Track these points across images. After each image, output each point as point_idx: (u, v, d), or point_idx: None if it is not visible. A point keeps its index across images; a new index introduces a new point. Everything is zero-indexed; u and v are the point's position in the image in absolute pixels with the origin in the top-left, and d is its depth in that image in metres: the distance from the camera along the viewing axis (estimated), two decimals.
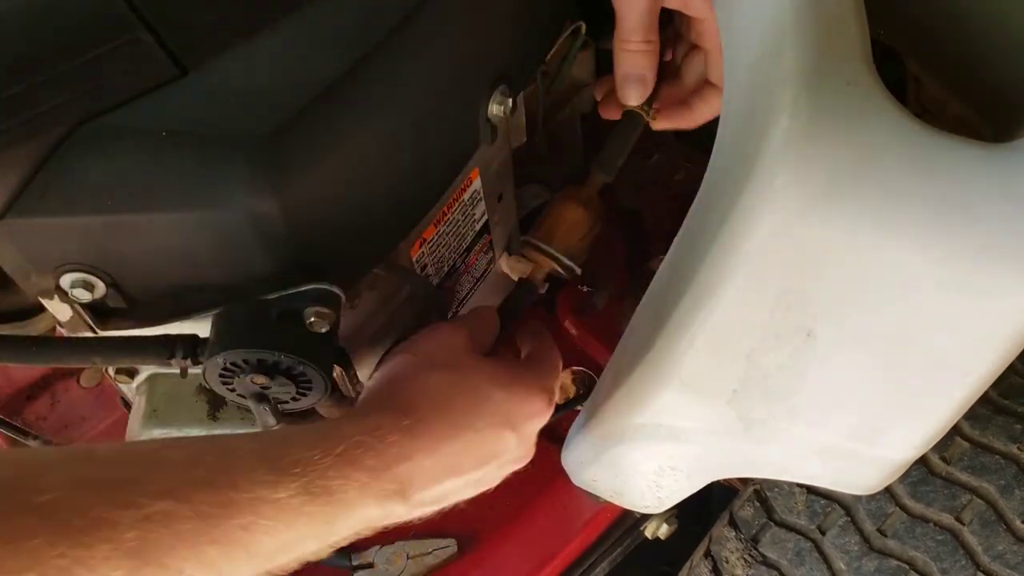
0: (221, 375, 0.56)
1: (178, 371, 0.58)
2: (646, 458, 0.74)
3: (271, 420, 0.61)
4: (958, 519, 0.83)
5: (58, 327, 0.66)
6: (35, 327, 0.66)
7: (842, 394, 0.60)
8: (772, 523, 0.90)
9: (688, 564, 0.98)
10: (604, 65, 0.96)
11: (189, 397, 0.70)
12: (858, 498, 0.87)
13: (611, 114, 0.78)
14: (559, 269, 0.82)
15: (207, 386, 0.58)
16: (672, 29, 0.74)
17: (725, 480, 0.89)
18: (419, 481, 0.53)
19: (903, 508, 0.85)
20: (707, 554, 0.95)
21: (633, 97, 0.72)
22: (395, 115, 0.58)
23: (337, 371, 0.66)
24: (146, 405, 0.70)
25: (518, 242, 0.93)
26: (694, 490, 0.78)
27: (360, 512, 0.49)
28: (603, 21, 0.71)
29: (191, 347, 0.56)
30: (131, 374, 0.72)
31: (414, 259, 0.75)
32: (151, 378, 0.72)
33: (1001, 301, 0.50)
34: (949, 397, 0.57)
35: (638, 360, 0.64)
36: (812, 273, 0.52)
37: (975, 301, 0.51)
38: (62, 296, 0.58)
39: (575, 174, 1.08)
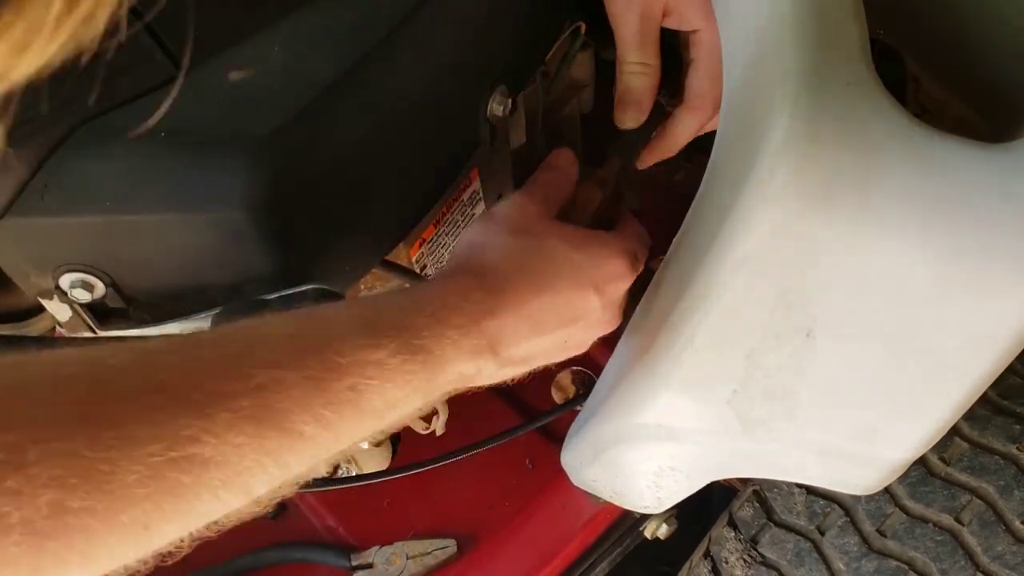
0: None
1: None
2: (646, 458, 0.74)
3: None
4: (957, 519, 0.83)
5: (57, 328, 0.66)
6: (34, 328, 0.66)
7: (841, 394, 0.60)
8: (771, 523, 0.90)
9: (688, 564, 0.98)
10: (604, 66, 0.96)
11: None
12: (857, 498, 0.87)
13: (646, 162, 0.79)
14: None
15: None
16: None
17: (725, 480, 0.89)
18: (506, 338, 0.55)
19: (902, 508, 0.85)
20: (706, 554, 0.95)
21: (627, 121, 0.72)
22: (394, 115, 0.58)
23: None
24: None
25: None
26: (694, 490, 0.78)
27: (454, 367, 0.51)
28: (603, 22, 0.71)
29: None
30: None
31: (413, 259, 0.75)
32: None
33: (1000, 301, 0.50)
34: (948, 397, 0.57)
35: (638, 360, 0.64)
36: (811, 273, 0.52)
37: (974, 301, 0.51)
38: (61, 296, 0.58)
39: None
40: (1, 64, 0.29)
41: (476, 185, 0.78)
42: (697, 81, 0.68)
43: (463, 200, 0.77)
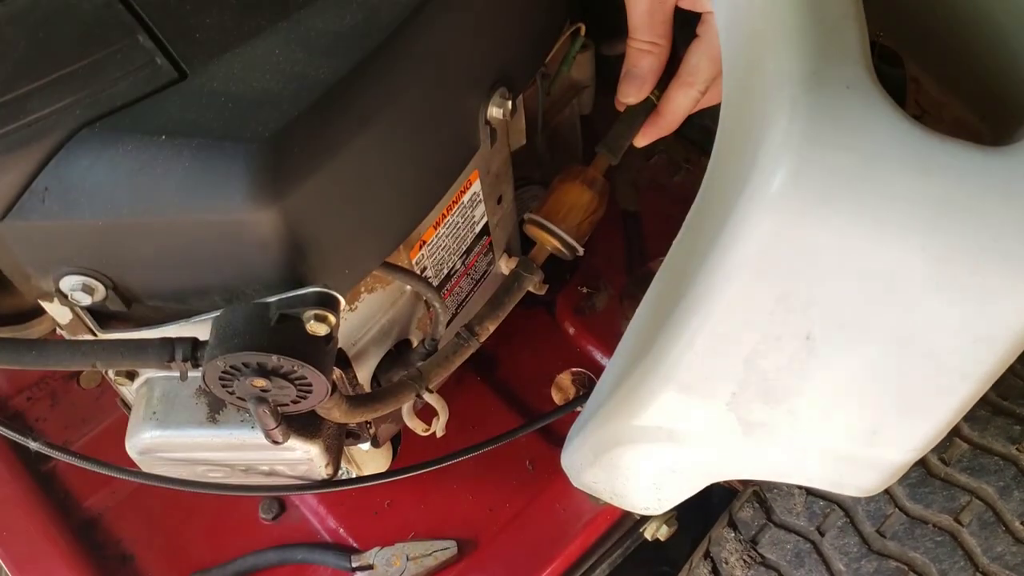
0: (221, 378, 0.56)
1: (178, 374, 0.58)
2: (645, 460, 0.74)
3: (271, 423, 0.61)
4: (957, 520, 0.83)
5: (58, 330, 0.66)
6: (35, 330, 0.67)
7: (841, 396, 0.60)
8: (771, 524, 0.90)
9: (688, 565, 0.98)
10: (603, 67, 0.96)
11: (188, 399, 0.70)
12: (857, 499, 0.87)
13: (643, 138, 0.78)
14: (561, 248, 0.80)
15: (206, 388, 0.58)
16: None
17: (725, 481, 0.89)
18: None
19: (902, 509, 0.85)
20: (706, 555, 0.95)
21: (629, 95, 0.71)
22: (394, 118, 0.58)
23: (337, 373, 0.66)
24: (145, 407, 0.71)
25: (518, 244, 0.93)
26: (694, 492, 0.78)
27: None
28: (603, 23, 0.71)
29: (191, 350, 0.56)
30: (131, 376, 0.72)
31: (414, 261, 0.75)
32: (151, 380, 0.72)
33: (1000, 303, 0.50)
34: (949, 399, 0.57)
35: (637, 362, 0.64)
36: (811, 275, 0.52)
37: (974, 303, 0.51)
38: (62, 299, 0.58)
39: None
40: None
41: (476, 187, 0.78)
42: (695, 57, 0.68)
43: (463, 202, 0.77)
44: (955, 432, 0.86)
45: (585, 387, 1.07)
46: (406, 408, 0.85)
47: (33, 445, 0.70)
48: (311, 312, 0.54)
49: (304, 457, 0.73)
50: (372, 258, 0.66)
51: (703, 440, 0.68)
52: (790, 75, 0.49)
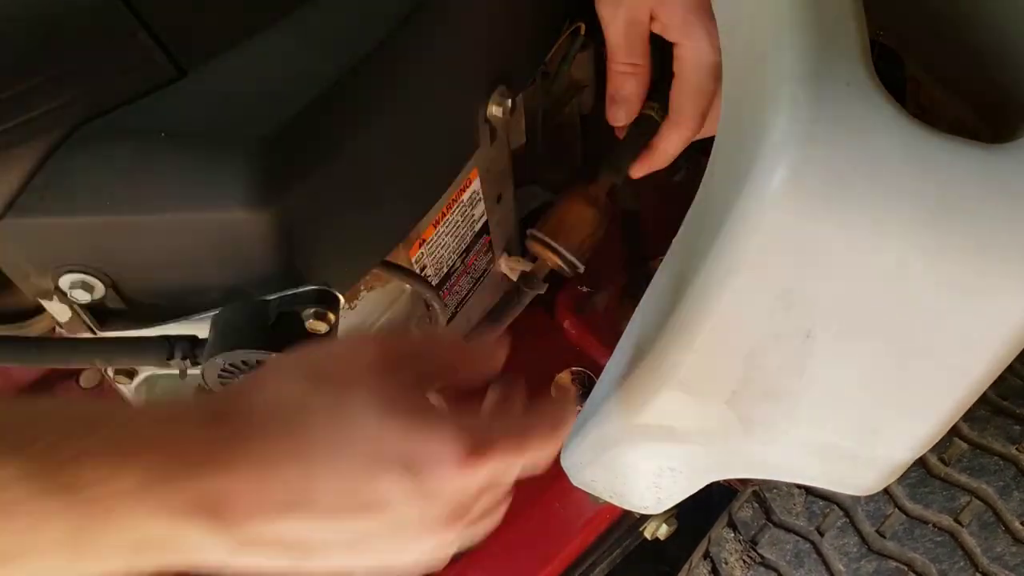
0: (220, 376, 0.56)
1: (177, 372, 0.58)
2: (645, 459, 0.74)
3: None
4: (957, 520, 0.83)
5: (57, 328, 0.66)
6: (34, 328, 0.66)
7: (841, 395, 0.60)
8: (771, 524, 0.90)
9: (687, 565, 0.98)
10: (603, 66, 0.96)
11: (188, 398, 0.70)
12: (857, 499, 0.87)
13: (637, 172, 0.78)
14: (562, 265, 0.81)
15: (206, 387, 0.58)
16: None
17: (725, 480, 0.89)
18: (244, 505, 0.38)
19: (902, 509, 0.85)
20: (706, 555, 0.95)
21: (619, 118, 0.71)
22: (393, 116, 0.58)
23: None
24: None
25: (517, 243, 0.93)
26: (693, 491, 0.78)
27: (132, 525, 0.35)
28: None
29: (190, 348, 0.56)
30: (130, 375, 0.72)
31: (413, 260, 0.75)
32: (150, 379, 0.72)
33: (1000, 301, 0.50)
34: (948, 398, 0.57)
35: (637, 361, 0.64)
36: (811, 273, 0.52)
37: (974, 301, 0.51)
38: (61, 297, 0.58)
39: (575, 175, 1.08)
40: None
41: (476, 186, 0.78)
42: (678, 97, 0.67)
43: (463, 201, 0.77)
44: (955, 432, 0.86)
45: (585, 386, 1.07)
46: None
47: None
48: (311, 310, 0.54)
49: None
50: (372, 256, 0.66)
51: (703, 439, 0.68)
52: (790, 73, 0.49)
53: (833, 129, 0.48)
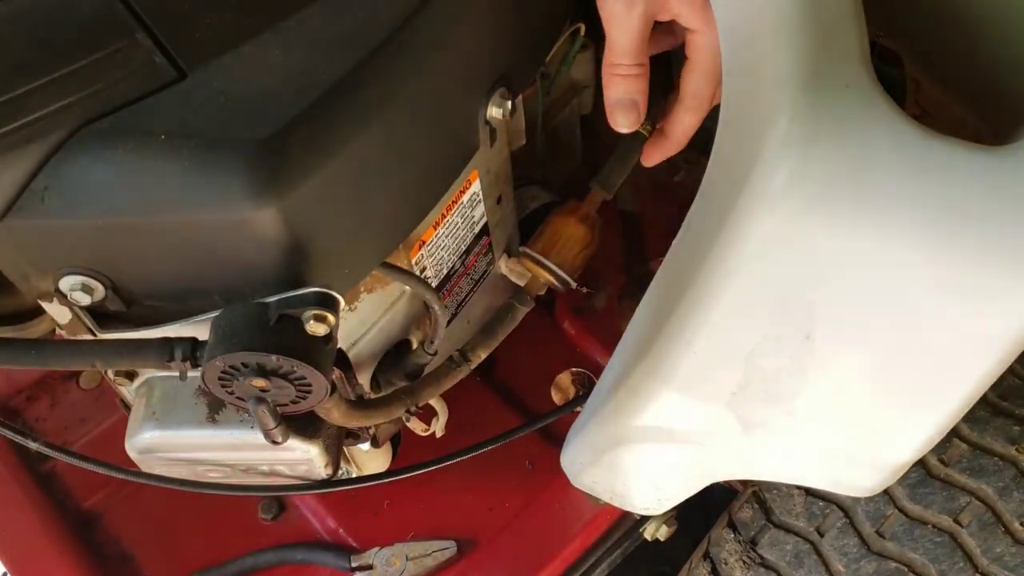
0: (220, 378, 0.56)
1: (177, 374, 0.58)
2: (645, 460, 0.74)
3: (270, 423, 0.61)
4: (956, 521, 0.83)
5: (57, 330, 0.66)
6: (35, 330, 0.67)
7: (841, 396, 0.60)
8: (771, 525, 0.90)
9: (687, 566, 0.98)
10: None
11: (188, 399, 0.70)
12: (857, 500, 0.87)
13: (651, 160, 0.77)
14: (554, 281, 0.83)
15: (206, 388, 0.58)
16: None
17: (725, 481, 0.89)
18: None
19: (901, 510, 0.85)
20: (706, 556, 0.95)
21: (625, 124, 0.68)
22: (393, 118, 0.58)
23: (336, 373, 0.66)
24: (145, 407, 0.71)
25: (517, 244, 0.93)
26: (693, 492, 0.78)
27: None
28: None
29: (190, 350, 0.56)
30: (130, 376, 0.72)
31: (413, 261, 0.75)
32: (150, 380, 0.72)
33: (999, 303, 0.50)
34: (948, 399, 0.57)
35: (637, 362, 0.64)
36: (810, 275, 0.52)
37: (974, 303, 0.51)
38: (61, 299, 0.58)
39: (574, 175, 1.08)
40: None
41: (475, 187, 0.78)
42: (693, 80, 0.67)
43: (462, 202, 0.77)
44: (954, 433, 0.86)
45: (585, 387, 1.07)
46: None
47: (33, 445, 0.70)
48: (310, 312, 0.54)
49: (304, 457, 0.73)
50: (371, 258, 0.66)
51: (703, 440, 0.68)
52: (790, 75, 0.49)
53: (832, 131, 0.48)
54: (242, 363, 0.55)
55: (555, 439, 1.04)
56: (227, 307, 0.56)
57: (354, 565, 0.98)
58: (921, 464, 0.86)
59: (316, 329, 0.54)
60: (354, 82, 0.55)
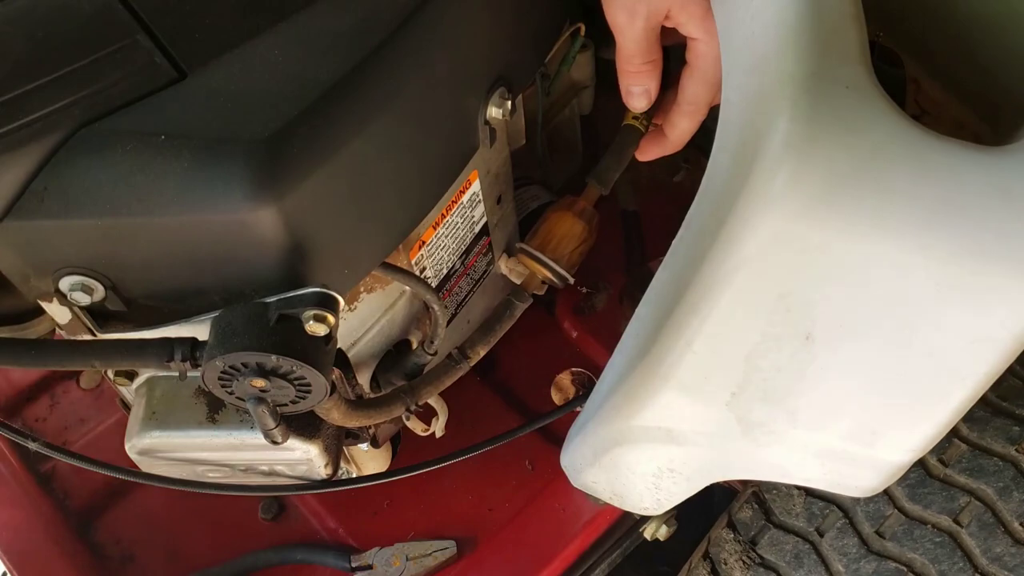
0: (220, 378, 0.56)
1: (177, 374, 0.58)
2: (645, 460, 0.74)
3: (270, 423, 0.61)
4: (956, 521, 0.83)
5: (57, 330, 0.66)
6: (35, 330, 0.67)
7: (841, 396, 0.60)
8: (770, 525, 0.90)
9: (687, 566, 0.98)
10: (603, 67, 0.96)
11: (188, 399, 0.70)
12: (856, 500, 0.87)
13: (646, 155, 0.79)
14: (552, 278, 0.83)
15: (206, 388, 0.58)
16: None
17: (725, 481, 0.89)
18: None
19: (901, 510, 0.85)
20: (705, 556, 0.95)
21: (640, 104, 0.72)
22: (393, 118, 0.58)
23: (336, 373, 0.66)
24: (145, 407, 0.71)
25: (517, 244, 0.93)
26: (693, 492, 0.78)
27: None
28: (603, 23, 0.71)
29: (190, 350, 0.56)
30: (130, 376, 0.72)
31: (413, 261, 0.75)
32: (150, 380, 0.72)
33: (999, 304, 0.50)
34: (948, 399, 0.57)
35: (637, 362, 0.64)
36: (811, 275, 0.52)
37: (973, 303, 0.51)
38: (61, 299, 0.58)
39: (574, 175, 1.08)
40: None
41: (475, 187, 0.78)
42: (692, 85, 0.69)
43: (462, 202, 0.77)
44: (954, 433, 0.86)
45: (585, 387, 1.07)
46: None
47: (33, 445, 0.70)
48: (310, 312, 0.54)
49: (303, 457, 0.73)
50: (371, 258, 0.66)
51: (703, 440, 0.68)
52: (790, 76, 0.49)
53: (832, 132, 0.48)
54: (242, 363, 0.55)
55: (555, 439, 1.04)
56: (227, 307, 0.56)
57: (354, 565, 0.98)
58: (921, 464, 0.86)
59: (316, 329, 0.54)
60: (354, 82, 0.55)
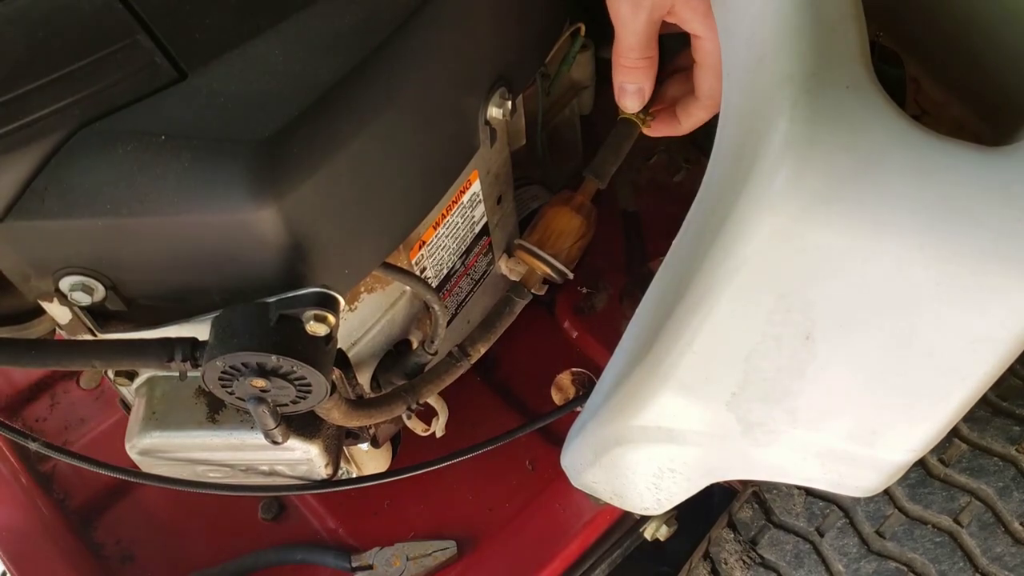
0: (220, 378, 0.56)
1: (177, 374, 0.58)
2: (645, 460, 0.74)
3: (270, 423, 0.61)
4: (956, 521, 0.83)
5: (58, 330, 0.66)
6: (35, 330, 0.67)
7: (841, 397, 0.60)
8: (771, 525, 0.90)
9: (687, 565, 0.98)
10: (603, 67, 0.96)
11: (188, 399, 0.70)
12: (856, 500, 0.87)
13: (654, 132, 0.78)
14: (551, 273, 0.83)
15: (206, 388, 0.58)
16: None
17: (725, 481, 0.89)
18: None
19: (901, 510, 0.85)
20: (706, 556, 0.95)
21: (632, 105, 0.72)
22: (393, 118, 0.58)
23: (336, 373, 0.66)
24: (145, 407, 0.71)
25: (516, 240, 0.93)
26: (693, 492, 0.78)
27: None
28: (603, 23, 0.71)
29: (190, 350, 0.56)
30: (131, 376, 0.72)
31: (413, 261, 0.75)
32: (150, 380, 0.72)
33: (1000, 303, 0.50)
34: (948, 399, 0.57)
35: (637, 362, 0.64)
36: (811, 276, 0.52)
37: (974, 303, 0.51)
38: (62, 299, 0.58)
39: (575, 175, 1.08)
40: None
41: (475, 188, 0.78)
42: (706, 80, 0.69)
43: (463, 202, 0.77)
44: (954, 433, 0.86)
45: (585, 387, 1.07)
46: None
47: (33, 445, 0.70)
48: (311, 312, 0.54)
49: (304, 457, 0.73)
50: (372, 258, 0.66)
51: (703, 440, 0.68)
52: (790, 76, 0.49)
53: (833, 132, 0.48)
54: (242, 363, 0.55)
55: (555, 439, 1.04)
56: (227, 307, 0.56)
57: (354, 565, 0.98)
58: (921, 464, 0.86)
59: (316, 329, 0.54)
60: (354, 82, 0.55)
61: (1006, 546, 0.81)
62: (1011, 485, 0.83)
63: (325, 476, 0.76)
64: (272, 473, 0.77)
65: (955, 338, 0.53)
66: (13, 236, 0.54)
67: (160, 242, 0.54)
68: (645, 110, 0.75)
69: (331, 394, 0.59)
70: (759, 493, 0.92)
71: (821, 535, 0.87)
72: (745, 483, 0.97)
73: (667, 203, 1.19)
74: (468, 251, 0.84)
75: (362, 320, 0.77)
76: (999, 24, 0.62)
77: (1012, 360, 0.54)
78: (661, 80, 0.74)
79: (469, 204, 0.78)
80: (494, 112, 0.69)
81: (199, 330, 0.58)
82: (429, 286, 0.75)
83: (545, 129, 0.92)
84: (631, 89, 0.71)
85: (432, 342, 0.81)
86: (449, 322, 0.87)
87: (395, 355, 0.83)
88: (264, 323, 0.54)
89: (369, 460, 0.92)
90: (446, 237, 0.78)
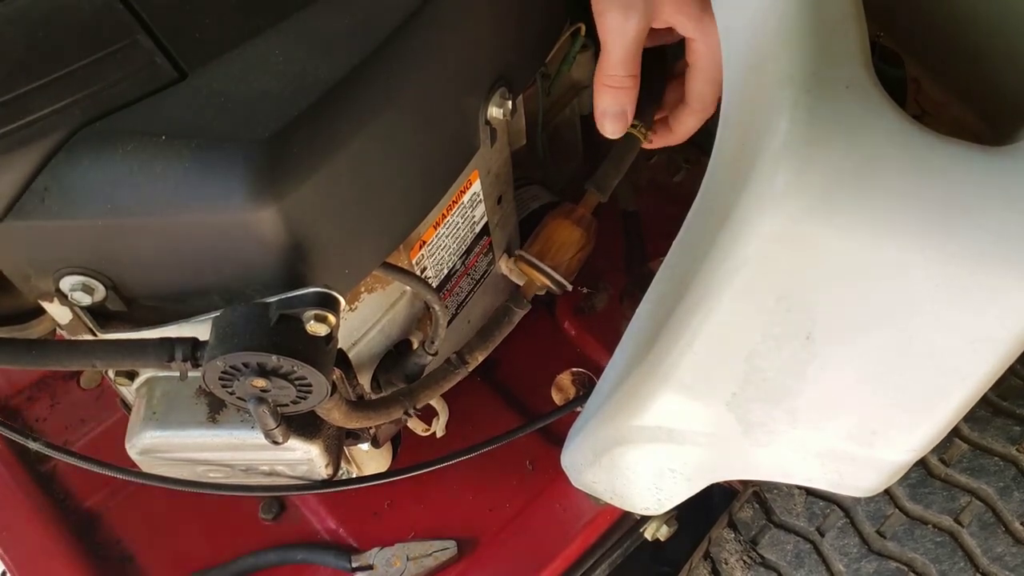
0: (220, 378, 0.56)
1: (177, 374, 0.58)
2: (646, 460, 0.74)
3: (270, 423, 0.61)
4: (957, 521, 0.83)
5: (58, 330, 0.66)
6: (35, 330, 0.67)
7: (841, 397, 0.60)
8: (771, 525, 0.90)
9: (687, 565, 0.98)
10: None
11: (189, 399, 0.70)
12: (857, 500, 0.87)
13: (652, 145, 0.78)
14: (551, 285, 0.83)
15: (206, 388, 0.58)
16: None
17: (726, 481, 0.89)
18: None
19: (902, 510, 0.85)
20: (706, 555, 0.95)
21: (613, 131, 0.70)
22: (394, 118, 0.58)
23: (337, 373, 0.66)
24: (146, 407, 0.71)
25: (517, 244, 0.93)
26: (694, 492, 0.78)
27: None
28: None
29: (191, 350, 0.56)
30: (131, 376, 0.72)
31: (413, 261, 0.75)
32: (150, 380, 0.72)
33: (1000, 303, 0.50)
34: (949, 399, 0.57)
35: (637, 362, 0.64)
36: (811, 276, 0.52)
37: (974, 303, 0.51)
38: (62, 299, 0.58)
39: (575, 175, 1.08)
40: None
41: (476, 188, 0.78)
42: (698, 85, 0.68)
43: (463, 202, 0.77)
44: (955, 433, 0.86)
45: (585, 387, 1.07)
46: None
47: (33, 445, 0.70)
48: (311, 312, 0.54)
49: (304, 457, 0.73)
50: (372, 258, 0.66)
51: (703, 440, 0.68)
52: (790, 76, 0.49)
53: (833, 132, 0.48)
54: (243, 363, 0.55)
55: (555, 439, 1.04)
56: (227, 307, 0.56)
57: (354, 565, 0.98)
58: (921, 464, 0.86)
59: (317, 329, 0.54)
60: (354, 82, 0.55)
61: (1007, 546, 0.81)
62: (1012, 485, 0.83)
63: (325, 476, 0.76)
64: (272, 473, 0.77)
65: (955, 338, 0.53)
66: (13, 236, 0.54)
67: (160, 242, 0.54)
68: (647, 123, 0.75)
69: (332, 394, 0.59)
70: (759, 493, 0.92)
71: (822, 535, 0.87)
72: (745, 483, 0.97)
73: (667, 203, 1.19)
74: (468, 251, 0.84)
75: (362, 320, 0.77)
76: (999, 24, 0.62)
77: (1012, 360, 0.54)
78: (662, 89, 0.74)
79: (469, 204, 0.78)
80: (494, 112, 0.69)
81: (199, 330, 0.58)
82: (429, 286, 0.75)
83: (545, 129, 0.93)
84: (614, 112, 0.68)
85: (432, 342, 0.81)
86: (449, 322, 0.87)
87: (395, 355, 0.83)
88: (264, 323, 0.54)
89: (369, 460, 0.92)
90: (446, 237, 0.78)
